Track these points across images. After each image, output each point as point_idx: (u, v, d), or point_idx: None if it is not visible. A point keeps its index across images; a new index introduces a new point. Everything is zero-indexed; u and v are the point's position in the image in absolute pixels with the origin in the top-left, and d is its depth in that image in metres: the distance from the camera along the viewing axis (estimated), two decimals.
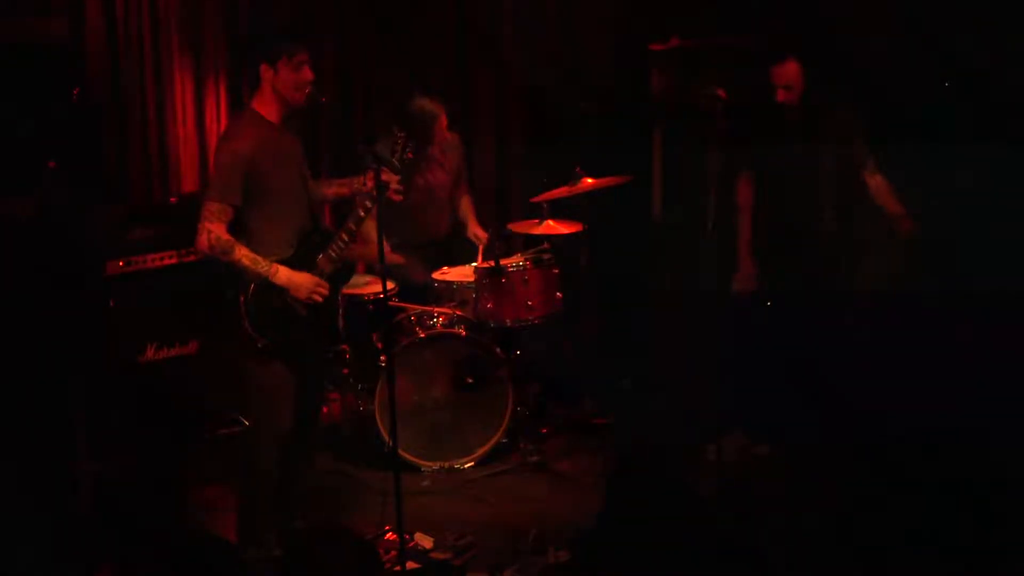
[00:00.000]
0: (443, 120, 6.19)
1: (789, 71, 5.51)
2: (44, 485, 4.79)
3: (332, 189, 4.96)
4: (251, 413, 4.97)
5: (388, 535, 4.89)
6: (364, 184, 4.73)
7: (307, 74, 4.59)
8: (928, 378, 5.55)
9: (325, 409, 5.84)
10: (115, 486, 5.25)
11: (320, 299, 4.66)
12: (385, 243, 4.62)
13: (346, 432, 6.05)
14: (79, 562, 4.46)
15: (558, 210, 6.28)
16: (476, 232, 6.35)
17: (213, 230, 4.51)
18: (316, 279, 4.65)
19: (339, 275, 4.82)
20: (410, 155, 4.83)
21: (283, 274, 4.59)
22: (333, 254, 4.71)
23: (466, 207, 6.48)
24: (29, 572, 4.39)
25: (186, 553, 4.23)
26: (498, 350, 5.87)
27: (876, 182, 5.66)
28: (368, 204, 4.67)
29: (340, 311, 5.79)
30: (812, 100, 5.56)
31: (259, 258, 4.55)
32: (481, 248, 6.19)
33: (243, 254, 4.54)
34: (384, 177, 4.64)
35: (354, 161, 5.99)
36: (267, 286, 4.57)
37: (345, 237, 4.71)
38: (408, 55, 7.00)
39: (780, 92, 5.53)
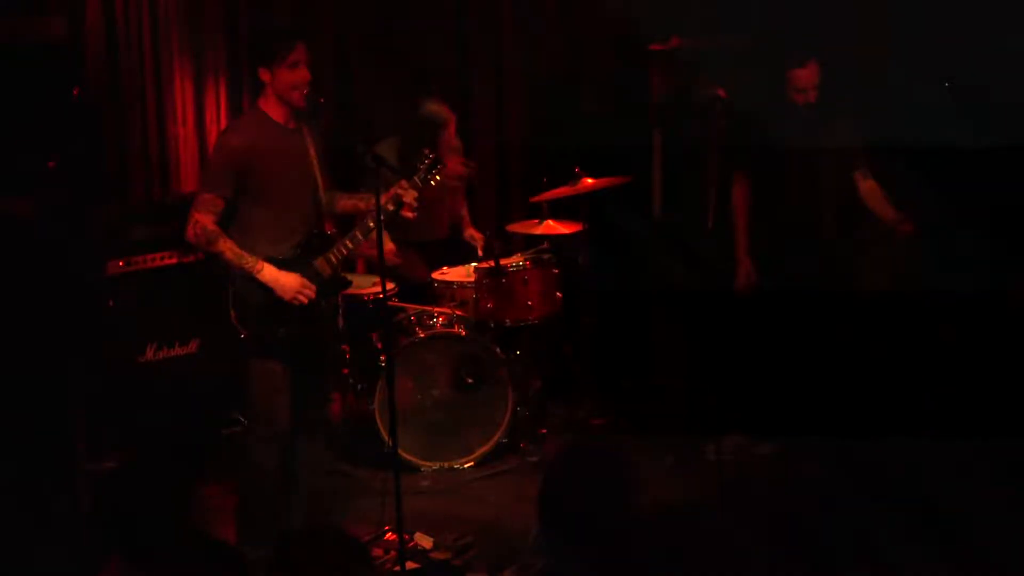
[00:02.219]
0: (452, 127, 6.17)
1: (810, 74, 5.49)
2: (44, 485, 4.78)
3: (349, 203, 4.90)
4: (249, 411, 4.96)
5: (388, 535, 4.89)
6: (383, 203, 4.59)
7: (303, 74, 4.53)
8: (926, 377, 5.56)
9: None
10: (115, 486, 5.24)
11: (306, 300, 4.59)
12: (388, 243, 4.61)
13: (346, 432, 6.05)
14: (79, 563, 4.46)
15: (558, 210, 6.28)
16: (472, 234, 6.36)
17: (200, 220, 4.51)
18: (303, 280, 4.58)
19: (337, 283, 4.80)
20: (438, 178, 4.77)
21: (268, 272, 4.55)
22: (333, 259, 4.68)
23: (463, 208, 6.48)
24: (29, 572, 4.39)
25: (186, 553, 4.22)
26: (498, 350, 5.87)
27: (868, 187, 5.65)
28: (372, 223, 4.62)
29: (340, 311, 5.81)
30: (816, 102, 5.56)
31: (244, 253, 4.52)
32: (479, 249, 6.19)
33: (227, 247, 4.51)
34: (405, 195, 4.63)
35: (354, 162, 5.99)
36: (254, 279, 4.55)
37: (350, 244, 4.69)
38: (408, 55, 7.00)
39: (797, 95, 5.51)
